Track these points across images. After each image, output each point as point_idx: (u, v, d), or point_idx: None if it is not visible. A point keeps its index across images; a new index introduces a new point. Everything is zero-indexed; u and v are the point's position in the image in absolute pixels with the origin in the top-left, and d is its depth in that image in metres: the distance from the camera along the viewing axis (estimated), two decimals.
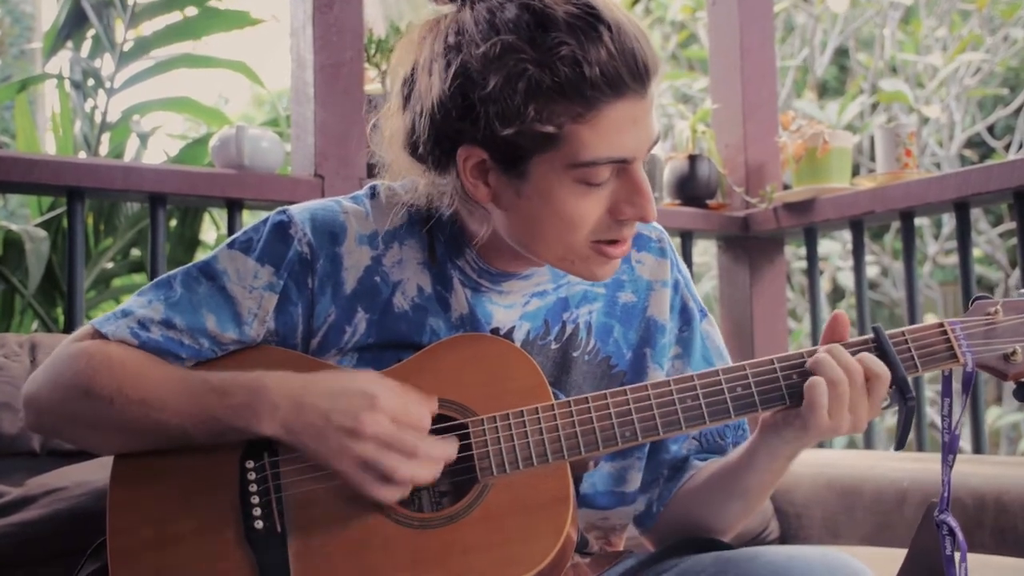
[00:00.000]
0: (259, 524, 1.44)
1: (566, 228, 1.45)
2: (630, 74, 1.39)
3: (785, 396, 1.47)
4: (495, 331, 1.59)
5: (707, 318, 1.73)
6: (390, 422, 1.38)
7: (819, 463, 2.78)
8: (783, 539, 2.76)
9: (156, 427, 1.47)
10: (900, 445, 1.47)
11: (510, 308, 1.61)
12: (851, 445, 5.70)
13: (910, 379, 1.48)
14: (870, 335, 1.50)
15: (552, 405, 1.47)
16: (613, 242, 1.48)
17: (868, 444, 3.26)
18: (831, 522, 2.64)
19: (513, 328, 1.60)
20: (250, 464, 1.46)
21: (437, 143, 1.47)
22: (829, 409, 1.43)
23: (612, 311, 1.66)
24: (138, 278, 3.84)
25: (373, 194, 1.64)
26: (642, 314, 1.67)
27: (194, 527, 1.45)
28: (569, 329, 1.63)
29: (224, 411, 1.43)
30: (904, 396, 1.45)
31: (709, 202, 3.46)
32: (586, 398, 1.47)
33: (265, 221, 1.61)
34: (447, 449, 1.42)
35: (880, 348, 1.47)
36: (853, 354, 1.46)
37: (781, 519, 2.77)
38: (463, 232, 1.59)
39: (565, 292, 1.64)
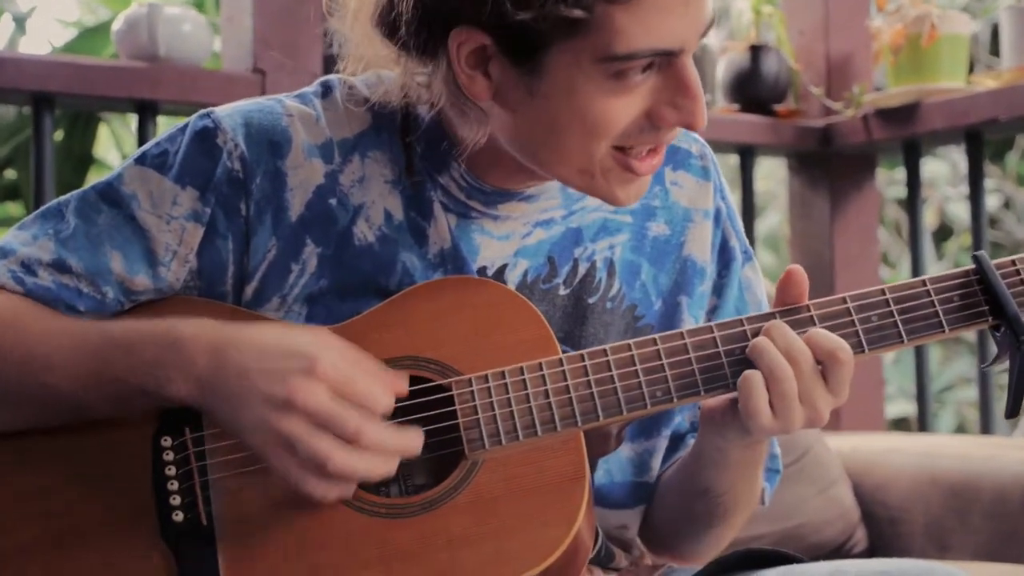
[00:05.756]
0: (179, 516, 1.45)
1: (590, 134, 1.46)
2: None
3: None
4: (481, 271, 1.60)
5: (751, 263, 1.74)
6: (329, 395, 1.38)
7: (921, 451, 2.79)
8: (872, 551, 2.77)
9: (43, 395, 1.47)
10: (1015, 408, 1.49)
11: (505, 240, 1.61)
12: (961, 429, 5.72)
13: None
14: (970, 266, 1.52)
15: (560, 359, 1.48)
16: (646, 151, 1.49)
17: (985, 428, 3.27)
18: (937, 530, 2.66)
19: (505, 267, 1.61)
20: (167, 442, 1.47)
21: (424, 23, 1.46)
22: (773, 407, 1.45)
23: (640, 246, 1.67)
24: (14, 208, 3.83)
25: (326, 92, 1.64)
26: (677, 251, 1.69)
27: (95, 523, 1.46)
28: (583, 269, 1.63)
29: (129, 370, 1.43)
30: (1018, 338, 1.48)
31: (777, 108, 3.45)
32: (604, 350, 1.48)
33: (184, 128, 1.60)
34: (406, 441, 1.41)
35: (984, 280, 1.50)
36: (942, 291, 1.50)
37: (870, 526, 2.79)
38: (448, 139, 1.59)
39: (578, 221, 1.64)
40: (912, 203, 3.45)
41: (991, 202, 6.70)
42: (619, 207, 1.58)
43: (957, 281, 1.51)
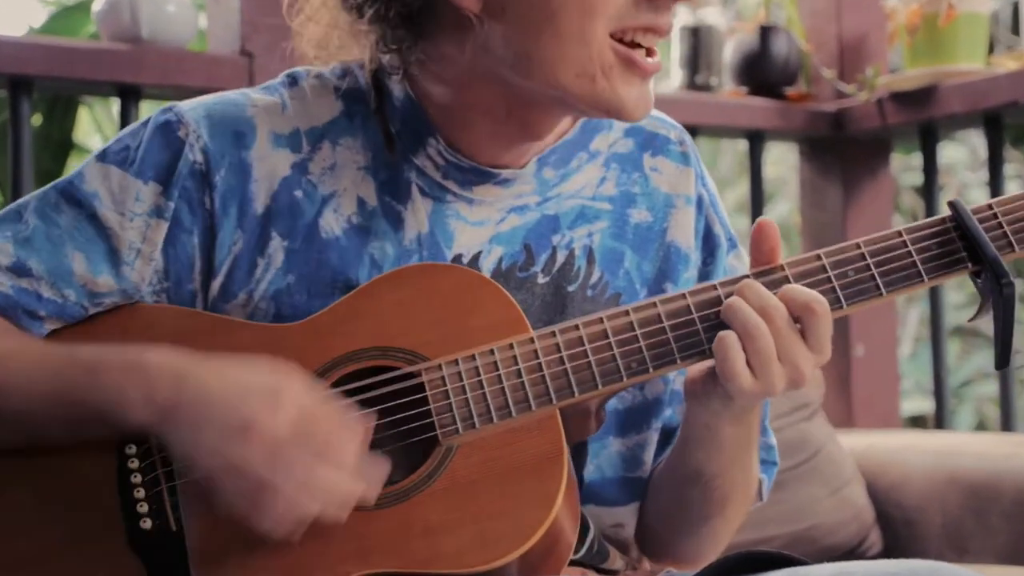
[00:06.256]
0: (147, 523, 1.46)
1: (586, 12, 1.49)
2: None
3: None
4: (456, 259, 1.62)
5: (736, 251, 1.77)
6: (291, 428, 1.38)
7: (938, 450, 2.79)
8: (887, 553, 2.77)
9: None
10: (1004, 358, 1.51)
11: (479, 226, 1.63)
12: (981, 427, 5.73)
13: (1005, 262, 1.51)
14: (946, 213, 1.54)
15: (531, 337, 1.50)
16: (644, 47, 1.53)
17: (1005, 425, 3.27)
18: (955, 531, 2.66)
19: (479, 254, 1.63)
20: (131, 449, 1.48)
21: None
22: (752, 367, 1.47)
23: (622, 233, 1.69)
24: None
25: (292, 82, 1.67)
26: (660, 238, 1.71)
27: (61, 538, 1.47)
28: (561, 256, 1.65)
29: (89, 392, 1.43)
30: (999, 280, 1.49)
31: (787, 91, 3.45)
32: (576, 324, 1.50)
33: (145, 123, 1.62)
34: (353, 491, 1.40)
35: (961, 226, 1.52)
36: (918, 240, 1.52)
37: (885, 527, 2.79)
38: (424, 113, 1.62)
39: (554, 208, 1.66)
40: (929, 190, 3.45)
41: (1012, 188, 6.70)
42: (631, 120, 1.59)
43: (934, 229, 1.53)
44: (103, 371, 1.44)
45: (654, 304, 1.51)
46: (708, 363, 1.50)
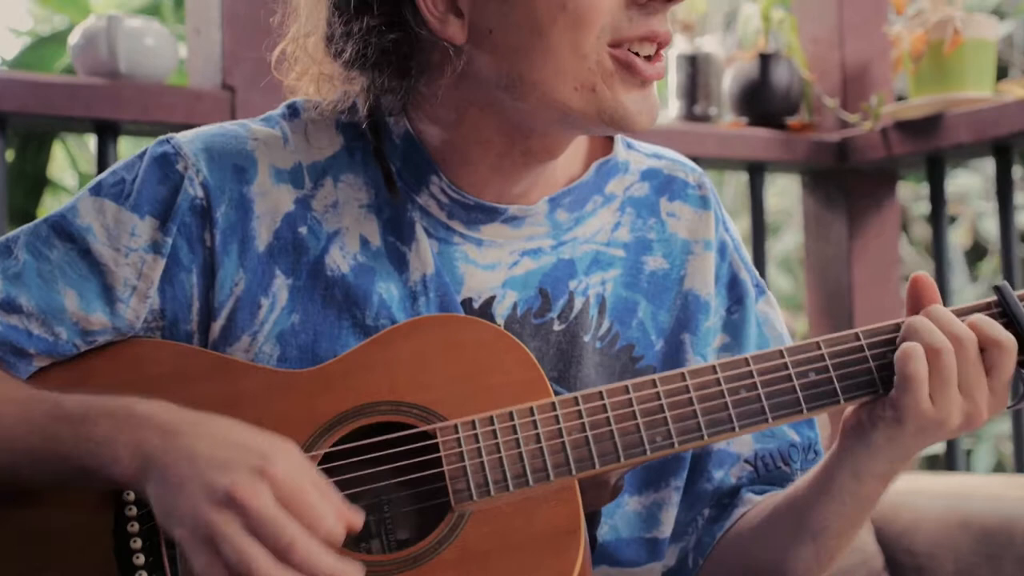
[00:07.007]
0: None
1: (576, 25, 1.49)
2: None
3: (876, 380, 1.50)
4: (467, 303, 1.61)
5: (765, 296, 1.76)
6: (273, 500, 1.34)
7: (950, 493, 2.78)
8: None
9: None
10: None
11: (491, 270, 1.63)
12: (1000, 467, 5.72)
13: None
14: (991, 297, 1.52)
15: (552, 403, 1.48)
16: (640, 49, 1.52)
17: (1020, 466, 3.26)
18: None
19: (493, 299, 1.62)
20: (130, 496, 1.46)
21: None
22: (931, 389, 1.45)
23: (635, 282, 1.68)
24: None
25: (292, 114, 1.67)
26: (677, 287, 1.70)
27: None
28: (579, 303, 1.65)
29: (75, 446, 1.42)
30: None
31: (789, 121, 3.45)
32: (599, 392, 1.49)
33: (142, 155, 1.61)
34: (341, 569, 1.35)
35: (1008, 312, 1.51)
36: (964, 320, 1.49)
37: (895, 572, 2.78)
38: (424, 150, 1.62)
39: (569, 253, 1.66)
40: (936, 223, 3.44)
41: (1022, 219, 6.69)
42: (635, 129, 1.58)
43: (976, 315, 1.50)
44: (91, 422, 1.42)
45: (682, 375, 1.50)
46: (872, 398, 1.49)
